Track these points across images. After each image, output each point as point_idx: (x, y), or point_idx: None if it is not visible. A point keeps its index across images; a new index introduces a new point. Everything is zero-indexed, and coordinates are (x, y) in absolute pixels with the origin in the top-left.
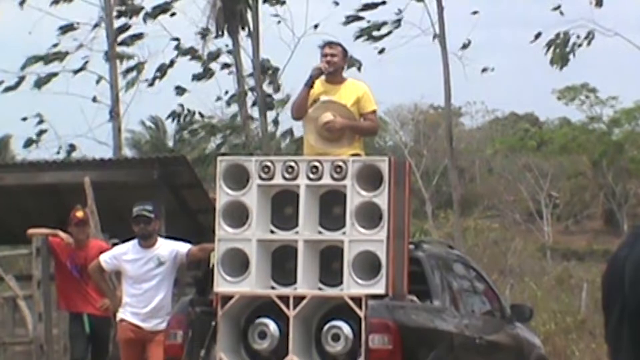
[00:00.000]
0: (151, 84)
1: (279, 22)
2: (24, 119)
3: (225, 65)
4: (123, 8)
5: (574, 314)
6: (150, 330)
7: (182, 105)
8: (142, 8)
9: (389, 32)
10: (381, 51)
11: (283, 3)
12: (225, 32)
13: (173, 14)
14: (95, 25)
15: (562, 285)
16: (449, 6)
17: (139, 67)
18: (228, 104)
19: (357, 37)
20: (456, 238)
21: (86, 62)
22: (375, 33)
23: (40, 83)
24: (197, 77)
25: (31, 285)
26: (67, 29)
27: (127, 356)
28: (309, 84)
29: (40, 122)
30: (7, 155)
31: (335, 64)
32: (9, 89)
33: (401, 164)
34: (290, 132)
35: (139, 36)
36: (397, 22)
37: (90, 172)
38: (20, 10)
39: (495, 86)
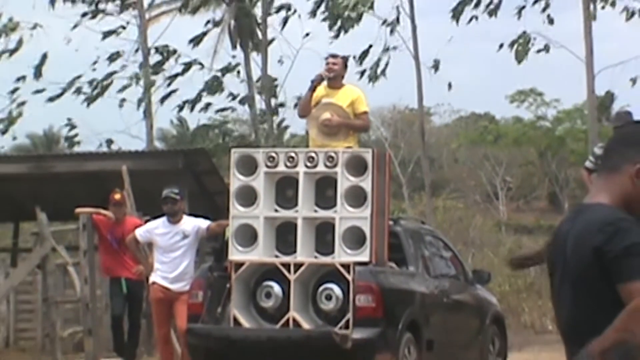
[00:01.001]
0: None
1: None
2: (69, 125)
3: (237, 73)
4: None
5: (524, 277)
6: (176, 291)
7: (207, 104)
8: (175, 51)
9: (379, 59)
10: (362, 75)
11: (294, 12)
12: (238, 47)
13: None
14: (137, 50)
15: (514, 254)
16: (420, 24)
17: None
18: (241, 102)
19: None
20: (428, 215)
21: (125, 87)
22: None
23: (90, 100)
24: (210, 89)
25: (78, 254)
26: (114, 57)
27: (158, 312)
28: (312, 88)
29: (73, 127)
30: (55, 146)
31: (335, 71)
32: (53, 98)
33: (382, 154)
34: (286, 128)
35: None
36: (385, 50)
37: (126, 162)
38: (70, 31)
39: (460, 90)
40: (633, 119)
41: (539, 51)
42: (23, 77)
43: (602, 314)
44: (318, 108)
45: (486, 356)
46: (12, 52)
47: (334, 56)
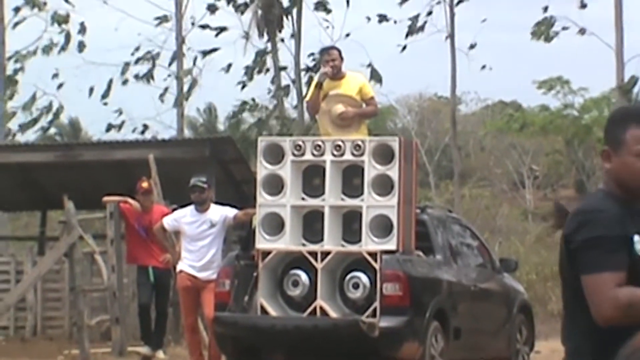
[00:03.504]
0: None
1: (327, 27)
2: (118, 112)
3: (263, 63)
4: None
5: (551, 266)
6: (204, 280)
7: (247, 102)
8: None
9: (419, 28)
10: (404, 48)
11: (329, 11)
12: (265, 35)
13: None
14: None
15: (541, 242)
16: (459, 11)
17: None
18: (273, 95)
19: (381, 21)
20: (455, 204)
21: (152, 70)
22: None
23: (147, 76)
24: (248, 74)
25: (105, 243)
26: (162, 20)
27: (185, 301)
28: (320, 87)
29: (120, 114)
30: (79, 134)
31: (338, 66)
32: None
33: (409, 143)
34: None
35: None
36: (423, 25)
37: (153, 150)
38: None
39: (486, 79)
40: None
41: (564, 29)
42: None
43: (576, 303)
44: (328, 101)
45: (513, 345)
46: (63, 46)
47: (329, 53)
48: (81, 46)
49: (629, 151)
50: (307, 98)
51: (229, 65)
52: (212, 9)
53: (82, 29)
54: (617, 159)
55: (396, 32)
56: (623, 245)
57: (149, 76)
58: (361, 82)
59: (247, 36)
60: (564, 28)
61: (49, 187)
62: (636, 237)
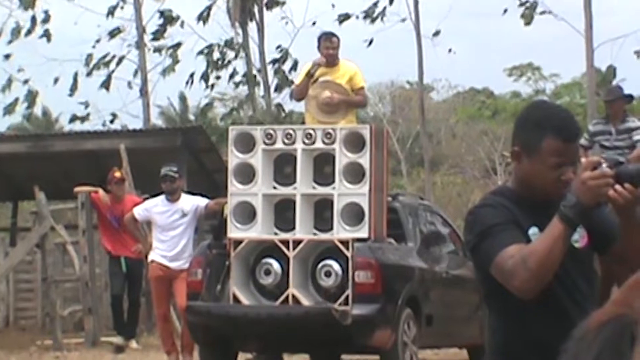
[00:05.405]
0: (172, 69)
1: (284, 20)
2: (84, 104)
3: (236, 52)
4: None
5: None
6: (176, 269)
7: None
8: (178, 17)
9: (377, 16)
10: (370, 43)
11: (283, 4)
12: (237, 25)
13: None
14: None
15: None
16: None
17: (169, 52)
18: (236, 85)
19: (342, 22)
20: (426, 191)
21: (122, 58)
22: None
23: (104, 82)
24: (217, 66)
25: (77, 233)
26: (115, 33)
27: (157, 291)
28: (310, 76)
29: (86, 107)
30: (50, 125)
31: (333, 55)
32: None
33: (380, 130)
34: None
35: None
36: (383, 14)
37: (124, 140)
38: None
39: (457, 66)
40: (623, 93)
41: (542, 13)
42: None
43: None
44: (316, 87)
45: (485, 331)
46: (29, 31)
47: (330, 39)
48: (47, 35)
49: (542, 161)
50: (296, 83)
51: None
52: None
53: (47, 18)
54: (529, 163)
55: (362, 22)
56: (515, 226)
57: (107, 82)
58: (353, 71)
59: (231, 17)
60: (541, 13)
61: (20, 177)
62: (532, 230)
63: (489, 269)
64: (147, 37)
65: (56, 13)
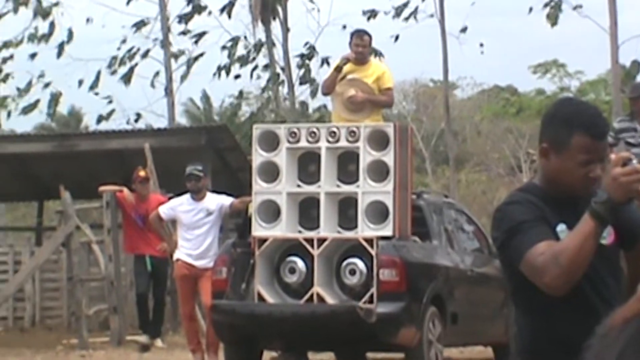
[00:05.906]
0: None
1: (312, 10)
2: (109, 100)
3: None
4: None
5: None
6: (200, 268)
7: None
8: (205, 7)
9: (409, 16)
10: (396, 39)
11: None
12: (260, 23)
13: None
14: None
15: None
16: None
17: (190, 54)
18: (259, 78)
19: (369, 17)
20: (451, 189)
21: (147, 51)
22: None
23: (125, 78)
24: (241, 61)
25: (102, 232)
26: (139, 25)
27: (183, 289)
28: (339, 70)
29: (110, 102)
30: (78, 123)
31: (364, 53)
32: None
33: (404, 128)
34: (306, 105)
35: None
36: (415, 12)
37: (149, 139)
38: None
39: (482, 63)
40: None
41: (575, 8)
42: (34, 55)
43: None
44: (343, 84)
45: (511, 329)
46: (48, 36)
47: (361, 37)
48: (70, 36)
49: (571, 158)
50: (326, 76)
51: (228, 48)
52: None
53: (70, 35)
54: (557, 160)
55: (389, 18)
56: (544, 223)
57: (129, 75)
58: (381, 70)
59: (253, 14)
60: (574, 8)
61: (46, 177)
62: (560, 227)
63: (518, 266)
64: (173, 27)
65: (80, 13)
